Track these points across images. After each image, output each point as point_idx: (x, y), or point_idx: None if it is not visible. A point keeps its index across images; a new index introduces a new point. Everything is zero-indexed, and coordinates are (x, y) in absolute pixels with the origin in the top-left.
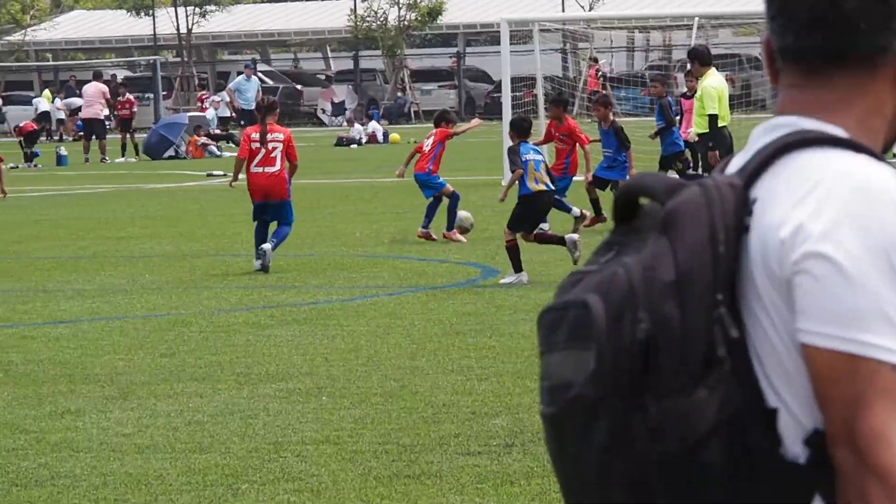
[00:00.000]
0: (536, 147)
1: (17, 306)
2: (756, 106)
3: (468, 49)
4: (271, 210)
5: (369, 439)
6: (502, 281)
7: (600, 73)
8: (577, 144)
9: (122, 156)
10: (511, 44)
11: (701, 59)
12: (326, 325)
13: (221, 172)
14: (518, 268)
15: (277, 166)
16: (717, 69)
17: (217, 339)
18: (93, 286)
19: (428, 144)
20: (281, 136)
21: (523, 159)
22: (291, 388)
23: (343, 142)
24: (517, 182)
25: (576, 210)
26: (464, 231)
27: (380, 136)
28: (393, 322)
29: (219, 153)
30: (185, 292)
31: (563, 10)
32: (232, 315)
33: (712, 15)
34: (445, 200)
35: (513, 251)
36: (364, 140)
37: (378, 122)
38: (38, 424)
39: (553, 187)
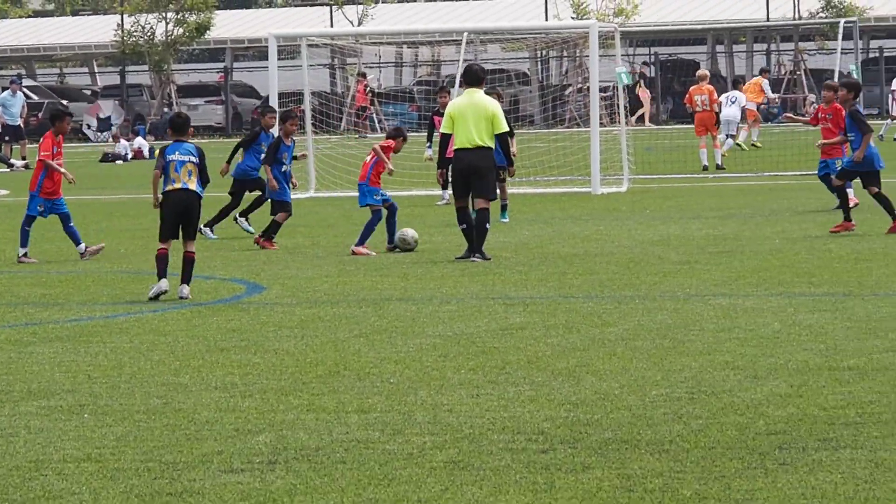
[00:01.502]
0: (194, 148)
1: None
2: (524, 121)
3: (236, 64)
4: None
5: (131, 457)
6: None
7: (368, 89)
8: None
9: None
10: (279, 59)
11: (465, 77)
12: (90, 342)
13: None
14: (160, 275)
15: None
16: (484, 84)
17: None
18: None
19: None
20: None
21: (167, 159)
22: (53, 406)
23: (109, 158)
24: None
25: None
26: (406, 249)
27: (146, 152)
28: (157, 339)
29: None
30: None
31: (332, 26)
32: None
33: (480, 30)
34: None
35: (160, 259)
36: (130, 156)
37: (144, 137)
38: None
39: (193, 189)
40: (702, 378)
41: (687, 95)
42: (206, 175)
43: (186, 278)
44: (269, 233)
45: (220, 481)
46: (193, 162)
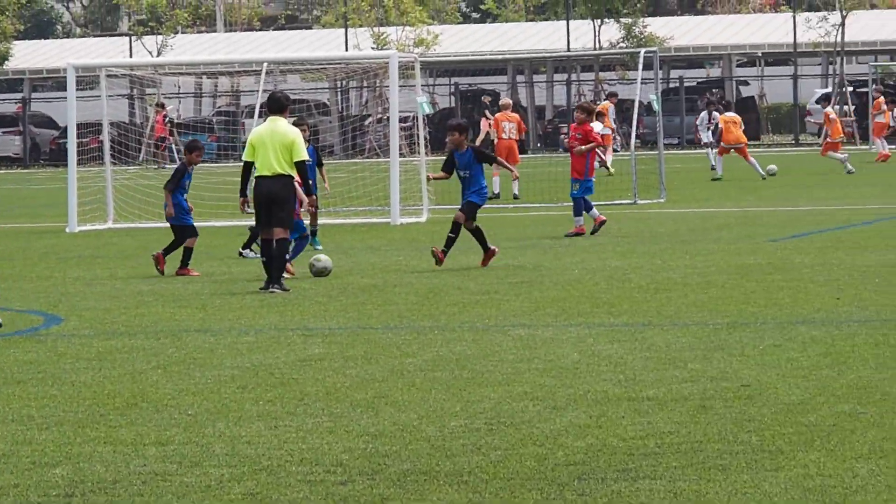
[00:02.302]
0: None
1: None
2: (324, 152)
3: (34, 94)
4: None
5: None
6: None
7: (168, 119)
8: None
9: None
10: (78, 89)
11: (268, 104)
12: None
13: None
14: None
15: None
16: (288, 111)
17: None
18: None
19: None
20: None
21: None
22: None
23: None
24: None
25: None
26: (320, 274)
27: None
28: None
29: None
30: None
31: (131, 56)
32: None
33: (280, 60)
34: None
35: None
36: None
37: None
38: None
39: None
40: (501, 409)
41: (493, 121)
42: None
43: None
44: (186, 260)
45: None
46: None
